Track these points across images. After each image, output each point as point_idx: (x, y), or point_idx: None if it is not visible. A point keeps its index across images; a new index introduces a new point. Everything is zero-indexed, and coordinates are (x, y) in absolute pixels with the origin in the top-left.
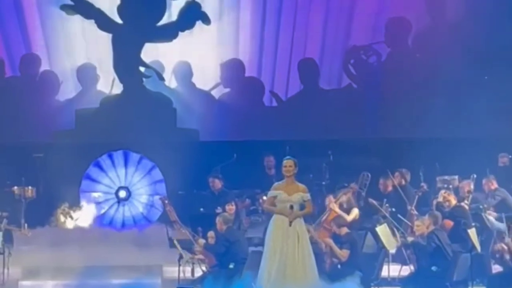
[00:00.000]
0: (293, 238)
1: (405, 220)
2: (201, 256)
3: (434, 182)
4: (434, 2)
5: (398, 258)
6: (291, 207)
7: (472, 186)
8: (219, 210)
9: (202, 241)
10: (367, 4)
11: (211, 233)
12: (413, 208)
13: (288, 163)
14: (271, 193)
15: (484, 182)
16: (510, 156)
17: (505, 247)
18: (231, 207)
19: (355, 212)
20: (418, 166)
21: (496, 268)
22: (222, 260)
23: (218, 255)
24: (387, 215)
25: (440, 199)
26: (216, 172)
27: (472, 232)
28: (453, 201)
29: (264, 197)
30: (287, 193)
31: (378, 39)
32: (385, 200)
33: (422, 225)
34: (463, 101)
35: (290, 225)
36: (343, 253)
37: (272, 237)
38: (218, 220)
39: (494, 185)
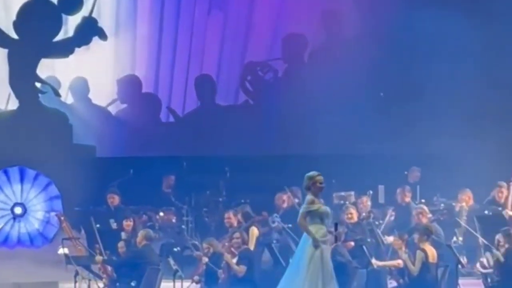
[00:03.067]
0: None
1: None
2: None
3: (330, 198)
4: (330, 19)
5: None
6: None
7: (369, 202)
8: (114, 226)
9: (99, 257)
10: (264, 21)
11: (121, 243)
12: None
13: (322, 178)
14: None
15: (398, 192)
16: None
17: (400, 263)
18: (128, 223)
19: (255, 232)
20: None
21: (392, 283)
22: (124, 277)
23: (121, 271)
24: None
25: (348, 215)
26: (114, 188)
27: (366, 248)
28: (355, 217)
29: (161, 213)
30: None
31: (275, 56)
32: (275, 215)
33: None
34: (359, 117)
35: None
36: (240, 269)
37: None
38: (140, 233)
39: (408, 197)
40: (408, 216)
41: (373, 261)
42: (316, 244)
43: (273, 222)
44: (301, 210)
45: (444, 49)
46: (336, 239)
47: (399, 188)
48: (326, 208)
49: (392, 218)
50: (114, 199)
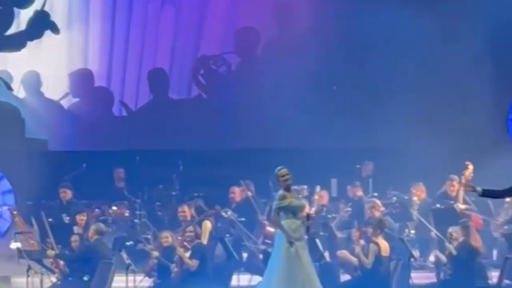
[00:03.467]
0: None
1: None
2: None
3: None
4: (282, 12)
5: (253, 267)
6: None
7: (326, 197)
8: (67, 220)
9: (52, 252)
10: (217, 14)
11: (75, 237)
12: (264, 217)
13: (285, 171)
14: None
15: (349, 189)
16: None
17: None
18: (82, 218)
19: (208, 226)
20: (267, 176)
21: (345, 277)
22: (77, 271)
23: (74, 266)
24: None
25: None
26: (66, 182)
27: (319, 242)
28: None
29: (114, 207)
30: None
31: (228, 49)
32: (227, 209)
33: None
34: (312, 111)
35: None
36: (193, 263)
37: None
38: (92, 228)
39: (360, 192)
40: (361, 210)
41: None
42: (290, 241)
43: (226, 212)
44: (273, 207)
45: (398, 43)
46: (308, 230)
47: (349, 185)
48: (298, 202)
49: (348, 214)
50: (66, 193)
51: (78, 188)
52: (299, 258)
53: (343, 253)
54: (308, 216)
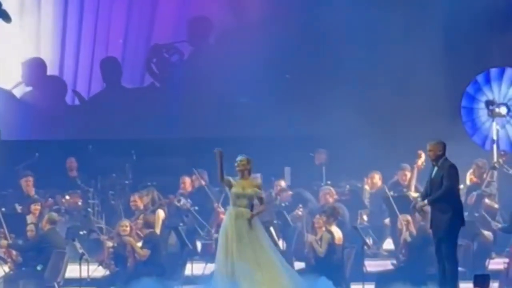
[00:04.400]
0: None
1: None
2: None
3: None
4: (235, 1)
5: (207, 256)
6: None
7: (283, 184)
8: (19, 209)
9: (4, 242)
10: (170, 3)
11: (30, 227)
12: (219, 205)
13: (238, 159)
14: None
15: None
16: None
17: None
18: (36, 207)
19: (161, 215)
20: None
21: (299, 265)
22: (30, 261)
23: (27, 255)
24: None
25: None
26: (27, 171)
27: (274, 230)
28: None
29: (67, 197)
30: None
31: (181, 38)
32: (180, 197)
33: None
34: (265, 99)
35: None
36: (144, 252)
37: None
38: (45, 218)
39: None
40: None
41: None
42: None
43: (179, 201)
44: None
45: (353, 32)
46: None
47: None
48: (237, 190)
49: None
50: (29, 182)
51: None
52: (241, 242)
53: (310, 236)
54: (252, 206)
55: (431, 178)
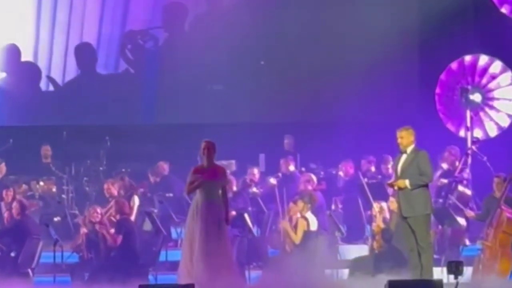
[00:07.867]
0: None
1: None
2: None
3: None
4: None
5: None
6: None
7: (257, 174)
8: None
9: None
10: None
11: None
12: None
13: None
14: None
15: (282, 162)
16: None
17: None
18: (9, 194)
19: (135, 201)
20: (196, 151)
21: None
22: (4, 247)
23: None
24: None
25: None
26: None
27: (247, 216)
28: (234, 187)
29: (41, 183)
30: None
31: (155, 24)
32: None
33: None
34: (240, 86)
35: None
36: (116, 239)
37: None
38: (14, 205)
39: (292, 166)
40: (292, 184)
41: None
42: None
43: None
44: None
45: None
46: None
47: (282, 158)
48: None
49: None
50: (2, 168)
51: (4, 164)
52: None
53: (285, 223)
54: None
55: (401, 165)
